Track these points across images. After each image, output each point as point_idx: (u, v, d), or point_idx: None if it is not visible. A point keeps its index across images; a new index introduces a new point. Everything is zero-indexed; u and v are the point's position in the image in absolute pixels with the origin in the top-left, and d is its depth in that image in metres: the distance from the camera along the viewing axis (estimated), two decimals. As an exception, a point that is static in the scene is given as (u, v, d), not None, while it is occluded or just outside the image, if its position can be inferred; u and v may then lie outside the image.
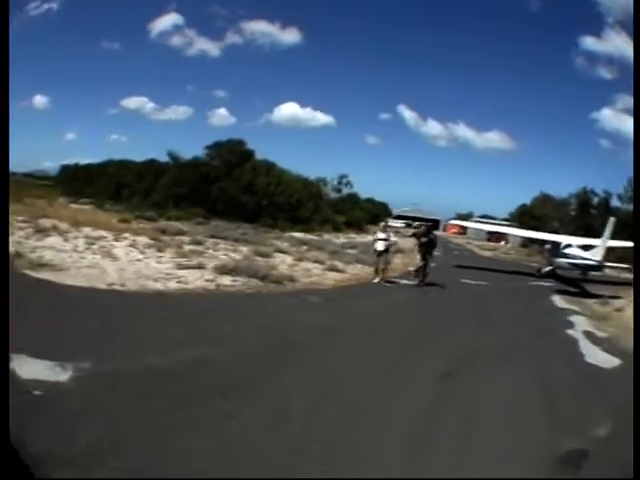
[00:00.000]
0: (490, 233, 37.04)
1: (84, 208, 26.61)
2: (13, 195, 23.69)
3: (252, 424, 3.89)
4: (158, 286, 8.59)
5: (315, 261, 13.94)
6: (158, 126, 56.20)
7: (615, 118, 49.56)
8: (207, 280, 9.55)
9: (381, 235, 12.65)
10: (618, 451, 4.05)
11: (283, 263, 13.44)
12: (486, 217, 54.29)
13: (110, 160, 40.37)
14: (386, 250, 12.40)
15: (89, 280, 8.18)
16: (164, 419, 3.71)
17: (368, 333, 7.23)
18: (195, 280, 9.40)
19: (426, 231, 13.14)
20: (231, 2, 56.01)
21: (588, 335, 9.39)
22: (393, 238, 12.91)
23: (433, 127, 63.26)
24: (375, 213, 51.20)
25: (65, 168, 46.19)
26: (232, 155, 30.38)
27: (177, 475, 3.18)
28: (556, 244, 20.11)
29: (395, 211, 66.74)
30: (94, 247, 11.75)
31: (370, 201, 52.30)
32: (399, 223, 61.99)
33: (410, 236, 19.19)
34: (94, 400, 3.90)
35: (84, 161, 60.68)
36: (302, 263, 13.58)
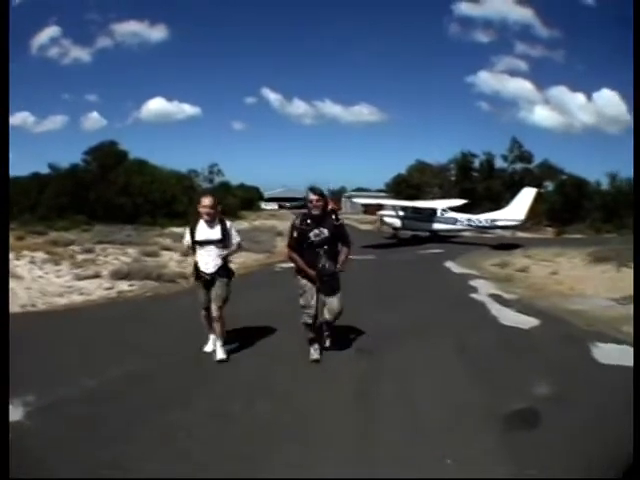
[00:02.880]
0: (366, 206, 37.95)
1: None
2: None
3: (200, 431, 3.95)
4: (65, 301, 9.07)
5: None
6: (39, 138, 53.13)
7: (494, 80, 53.35)
8: (106, 288, 10.20)
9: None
10: (575, 411, 4.18)
11: (172, 260, 14.16)
12: (360, 190, 57.21)
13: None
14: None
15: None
16: (116, 446, 3.68)
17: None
18: (95, 290, 10.02)
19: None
20: (105, 7, 53.85)
21: (496, 298, 9.30)
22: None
23: (299, 106, 65.72)
24: (248, 198, 52.62)
25: None
26: (107, 158, 30.68)
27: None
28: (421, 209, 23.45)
29: (266, 194, 68.11)
30: None
31: (242, 187, 53.55)
32: (271, 205, 63.84)
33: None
34: (49, 435, 3.87)
35: None
36: (189, 258, 14.21)
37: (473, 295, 9.81)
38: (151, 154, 71.83)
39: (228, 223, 5.82)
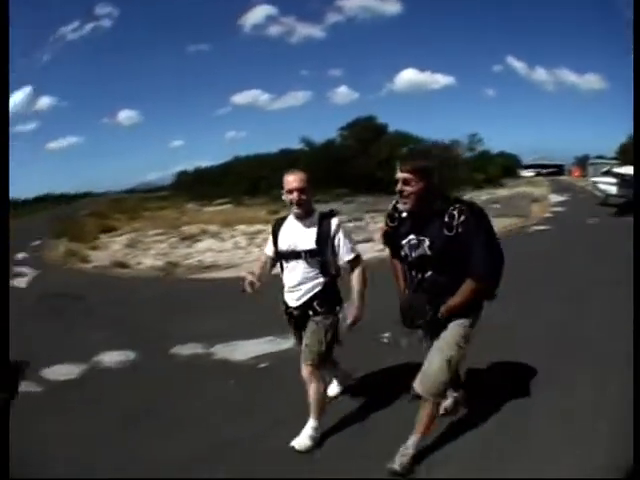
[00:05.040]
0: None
1: (222, 209, 27.25)
2: (126, 213, 25.64)
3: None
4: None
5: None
6: (277, 115, 59.15)
7: None
8: (378, 250, 10.89)
9: None
10: None
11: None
12: (600, 158, 51.07)
13: (236, 158, 42.93)
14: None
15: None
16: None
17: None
18: (368, 251, 10.62)
19: None
20: None
21: None
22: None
23: (541, 74, 60.00)
24: (508, 166, 49.78)
25: (182, 174, 48.92)
26: (365, 132, 31.43)
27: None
28: None
29: (524, 162, 65.38)
30: (257, 241, 12.24)
31: (502, 155, 50.92)
32: (530, 172, 61.14)
33: None
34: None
35: (198, 164, 63.40)
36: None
37: None
38: (405, 125, 72.43)
39: (334, 222, 3.25)
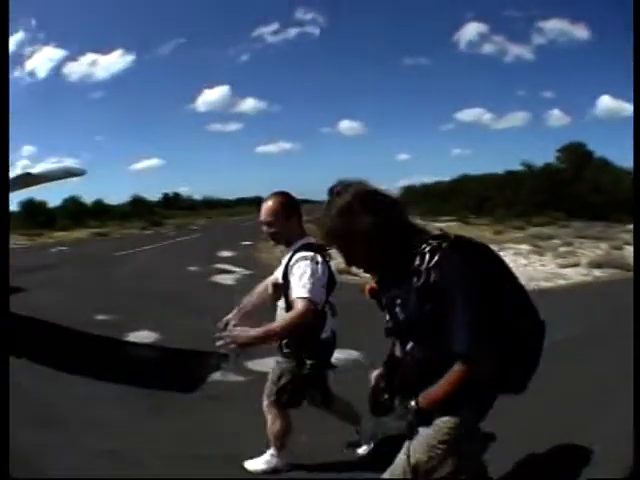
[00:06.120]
0: None
1: (449, 225, 27.71)
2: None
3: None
4: (549, 285, 10.97)
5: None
6: (499, 135, 58.24)
7: None
8: (583, 275, 12.17)
9: None
10: None
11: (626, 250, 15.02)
12: None
13: (465, 175, 43.62)
14: None
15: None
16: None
17: None
18: (574, 276, 12.02)
19: None
20: (524, 3, 55.37)
21: None
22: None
23: None
24: None
25: (409, 188, 49.38)
26: (578, 157, 31.29)
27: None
28: None
29: None
30: None
31: None
32: None
33: None
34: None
35: (422, 179, 63.08)
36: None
37: None
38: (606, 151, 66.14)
39: (295, 257, 2.90)
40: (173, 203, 66.59)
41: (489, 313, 1.74)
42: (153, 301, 9.18)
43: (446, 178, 47.91)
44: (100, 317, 7.86)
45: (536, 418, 3.80)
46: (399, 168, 74.66)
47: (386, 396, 2.08)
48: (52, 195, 48.39)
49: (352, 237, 1.80)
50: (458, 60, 55.92)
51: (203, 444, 3.68)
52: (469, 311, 1.71)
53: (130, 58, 56.01)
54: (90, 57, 55.87)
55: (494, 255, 1.89)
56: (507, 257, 14.21)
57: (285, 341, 2.99)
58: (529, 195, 31.65)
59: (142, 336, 6.77)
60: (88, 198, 46.08)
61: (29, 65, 55.58)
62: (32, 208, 36.08)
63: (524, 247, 16.41)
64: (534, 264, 14.14)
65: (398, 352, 2.04)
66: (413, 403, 1.87)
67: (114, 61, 61.08)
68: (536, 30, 52.70)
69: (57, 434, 3.80)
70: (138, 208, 48.88)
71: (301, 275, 2.80)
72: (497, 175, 38.22)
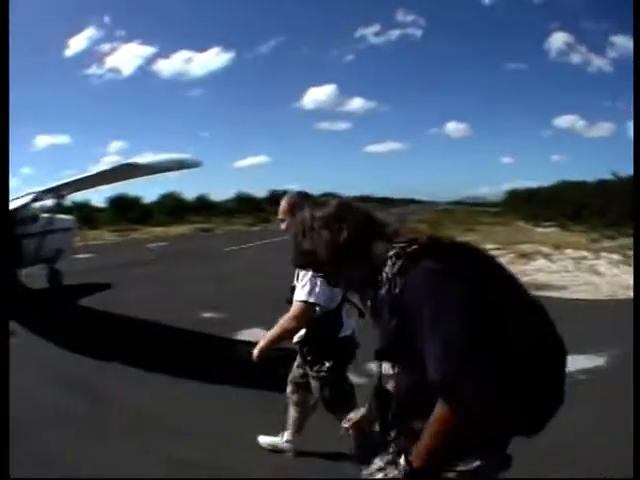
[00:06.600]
0: None
1: (550, 231, 28.23)
2: (460, 224, 28.04)
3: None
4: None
5: None
6: (589, 143, 56.23)
7: None
8: None
9: None
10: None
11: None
12: None
13: (563, 181, 42.22)
14: None
15: (587, 294, 10.49)
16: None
17: None
18: None
19: None
20: (601, 16, 52.45)
21: None
22: None
23: None
24: None
25: (513, 192, 49.17)
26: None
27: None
28: None
29: None
30: (581, 266, 13.79)
31: None
32: None
33: None
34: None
35: (524, 183, 61.47)
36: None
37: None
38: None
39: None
40: (280, 200, 67.78)
41: (472, 331, 1.35)
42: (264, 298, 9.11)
43: (546, 183, 46.60)
44: (207, 315, 8.05)
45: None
46: (503, 171, 72.39)
47: (377, 428, 1.68)
48: (146, 191, 47.14)
49: (316, 256, 1.58)
50: (550, 67, 55.10)
51: (315, 443, 3.59)
52: (439, 330, 1.35)
53: (228, 56, 57.69)
54: (184, 54, 57.51)
55: (485, 260, 1.54)
56: (602, 266, 14.36)
57: (298, 342, 3.02)
58: (618, 204, 30.24)
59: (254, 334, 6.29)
60: (189, 194, 45.48)
61: (110, 62, 58.03)
62: (124, 203, 35.22)
63: (615, 257, 15.82)
64: (625, 274, 13.70)
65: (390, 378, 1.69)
66: (403, 461, 1.46)
67: (210, 59, 63.49)
68: (610, 44, 51.19)
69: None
70: (244, 204, 48.65)
71: (303, 276, 2.75)
72: (591, 184, 37.02)
